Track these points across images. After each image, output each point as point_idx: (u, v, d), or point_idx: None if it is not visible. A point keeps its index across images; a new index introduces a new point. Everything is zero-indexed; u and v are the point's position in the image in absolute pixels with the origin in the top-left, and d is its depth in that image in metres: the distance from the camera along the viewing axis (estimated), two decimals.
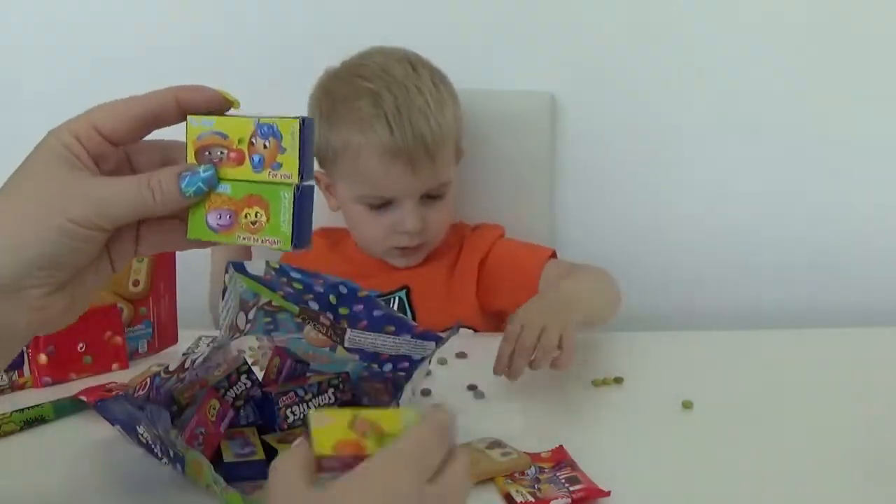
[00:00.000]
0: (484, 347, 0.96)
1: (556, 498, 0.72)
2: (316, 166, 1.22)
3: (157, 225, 0.56)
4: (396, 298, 1.22)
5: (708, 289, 1.51)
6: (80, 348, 0.97)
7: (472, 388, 0.95)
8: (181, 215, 0.55)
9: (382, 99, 1.15)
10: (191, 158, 0.54)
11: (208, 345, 0.79)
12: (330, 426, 0.51)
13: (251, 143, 0.53)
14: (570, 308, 0.98)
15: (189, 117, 0.54)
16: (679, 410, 0.91)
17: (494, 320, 1.26)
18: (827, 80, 1.42)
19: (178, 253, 1.03)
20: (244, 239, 0.54)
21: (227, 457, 0.76)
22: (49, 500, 0.74)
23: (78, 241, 0.50)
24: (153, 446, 0.74)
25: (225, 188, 0.54)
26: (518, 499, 0.72)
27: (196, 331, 1.06)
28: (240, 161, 0.53)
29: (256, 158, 0.53)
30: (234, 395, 0.81)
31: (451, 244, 1.27)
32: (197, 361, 0.75)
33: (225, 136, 0.54)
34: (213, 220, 0.54)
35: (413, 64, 1.20)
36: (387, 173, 1.15)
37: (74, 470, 0.78)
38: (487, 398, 0.93)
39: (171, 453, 0.72)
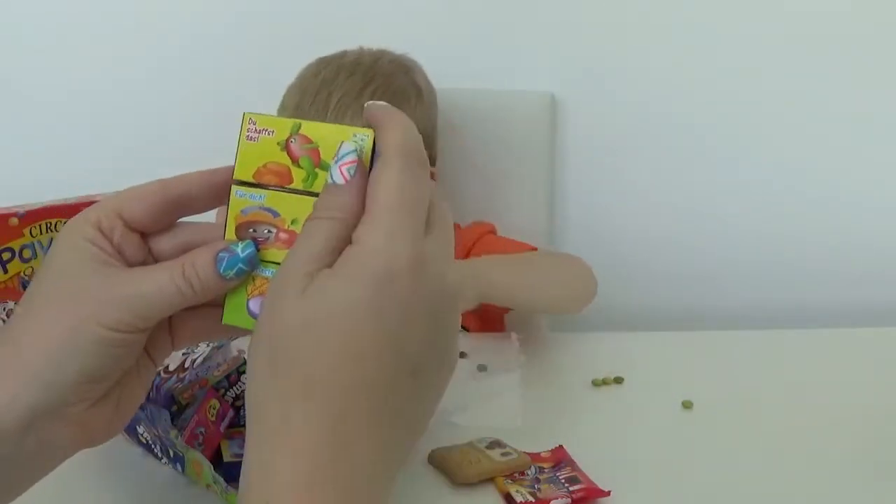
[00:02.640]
0: (484, 347, 0.96)
1: (556, 498, 0.72)
2: None
3: (191, 316, 0.49)
4: None
5: (708, 288, 1.51)
6: None
7: (481, 368, 0.97)
8: (215, 301, 0.49)
9: (293, 99, 1.18)
10: (230, 235, 0.47)
11: (208, 345, 0.79)
12: (263, 142, 0.46)
13: None
14: (473, 279, 0.97)
15: (233, 187, 0.47)
16: (679, 410, 0.91)
17: (487, 319, 1.25)
18: (828, 80, 1.42)
19: None
20: None
21: (227, 457, 0.76)
22: (49, 499, 0.74)
23: (117, 348, 0.45)
24: (153, 446, 0.74)
25: (271, 272, 0.46)
26: (518, 499, 0.72)
27: None
28: (290, 243, 0.45)
29: None
30: (234, 395, 0.81)
31: None
32: (197, 361, 0.75)
33: (276, 214, 0.46)
34: (256, 306, 0.47)
35: (356, 69, 1.18)
36: None
37: (74, 470, 0.78)
38: (488, 397, 0.93)
39: (171, 453, 0.72)
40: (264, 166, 0.46)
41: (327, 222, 0.41)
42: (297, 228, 0.45)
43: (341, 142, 0.44)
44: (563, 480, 0.74)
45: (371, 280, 0.39)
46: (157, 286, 0.46)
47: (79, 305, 0.45)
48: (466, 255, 1.25)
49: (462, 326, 1.21)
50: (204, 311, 0.49)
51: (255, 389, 0.41)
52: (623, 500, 0.73)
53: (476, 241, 1.26)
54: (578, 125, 1.44)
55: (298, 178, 0.46)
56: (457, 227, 1.32)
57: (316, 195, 0.45)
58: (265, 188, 0.46)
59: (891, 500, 0.75)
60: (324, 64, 1.21)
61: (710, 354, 1.07)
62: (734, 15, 1.41)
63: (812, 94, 1.43)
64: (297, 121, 0.46)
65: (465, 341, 1.05)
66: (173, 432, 0.70)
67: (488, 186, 1.37)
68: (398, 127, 0.43)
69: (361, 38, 1.25)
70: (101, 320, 0.45)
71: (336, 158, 0.43)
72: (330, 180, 0.43)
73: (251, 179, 0.46)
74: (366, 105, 0.45)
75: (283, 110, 1.19)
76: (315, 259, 0.40)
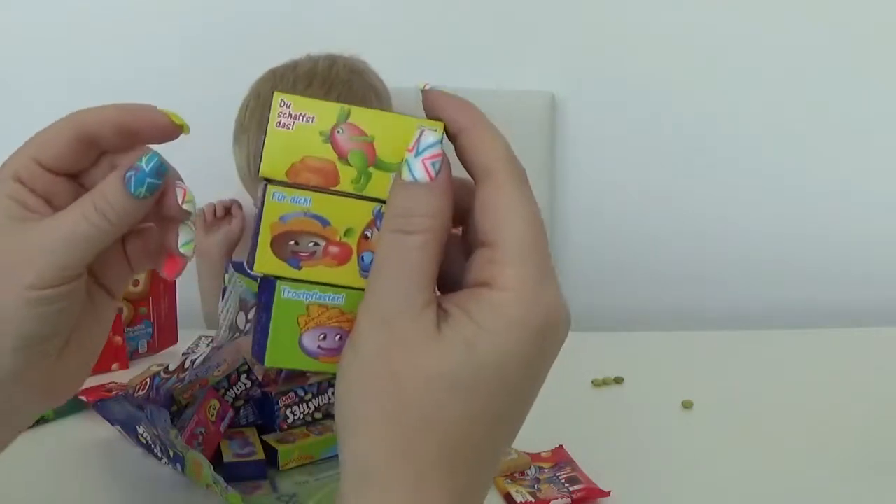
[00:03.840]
0: None
1: (556, 498, 0.72)
2: None
3: (141, 235, 0.46)
4: None
5: (708, 289, 1.51)
6: None
7: None
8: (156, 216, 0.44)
9: (253, 117, 1.19)
10: (264, 247, 0.37)
11: (208, 345, 0.79)
12: (300, 130, 0.37)
13: (364, 237, 0.38)
14: None
15: (269, 186, 0.37)
16: (679, 410, 0.91)
17: None
18: (828, 79, 1.42)
19: None
20: None
21: (227, 457, 0.76)
22: (49, 500, 0.74)
23: (52, 305, 0.41)
24: (153, 446, 0.74)
25: (335, 299, 0.38)
26: (518, 499, 0.72)
27: (196, 331, 1.06)
28: (343, 260, 0.37)
29: (368, 258, 0.37)
30: (234, 395, 0.81)
31: None
32: (197, 361, 0.75)
33: (325, 223, 0.37)
34: (311, 342, 0.38)
35: (312, 79, 1.19)
36: (253, 193, 1.19)
37: (74, 470, 0.78)
38: None
39: (171, 453, 0.72)
40: (301, 162, 0.37)
41: (421, 236, 0.35)
42: (352, 241, 0.37)
43: (421, 130, 0.36)
44: (563, 480, 0.74)
45: (527, 337, 0.34)
46: (70, 229, 0.41)
47: (2, 271, 0.41)
48: None
49: None
50: (150, 228, 0.45)
51: (369, 448, 0.35)
52: (623, 500, 0.73)
53: None
54: (578, 125, 1.44)
55: (347, 178, 0.37)
56: None
57: (371, 199, 0.37)
58: (304, 189, 0.37)
59: (891, 499, 0.75)
60: (278, 77, 1.21)
61: (710, 354, 1.07)
62: (734, 15, 1.41)
63: (812, 94, 1.43)
64: (346, 106, 0.38)
65: None
66: (173, 432, 0.70)
67: None
68: (497, 133, 0.37)
69: (359, 38, 1.25)
70: (24, 282, 0.41)
71: (416, 150, 0.35)
72: (409, 177, 0.35)
73: (284, 177, 0.37)
74: (425, 90, 0.38)
75: (244, 132, 1.19)
76: (424, 287, 0.34)
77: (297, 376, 0.86)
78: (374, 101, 1.20)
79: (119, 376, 0.96)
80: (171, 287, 1.06)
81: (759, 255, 1.50)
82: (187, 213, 0.42)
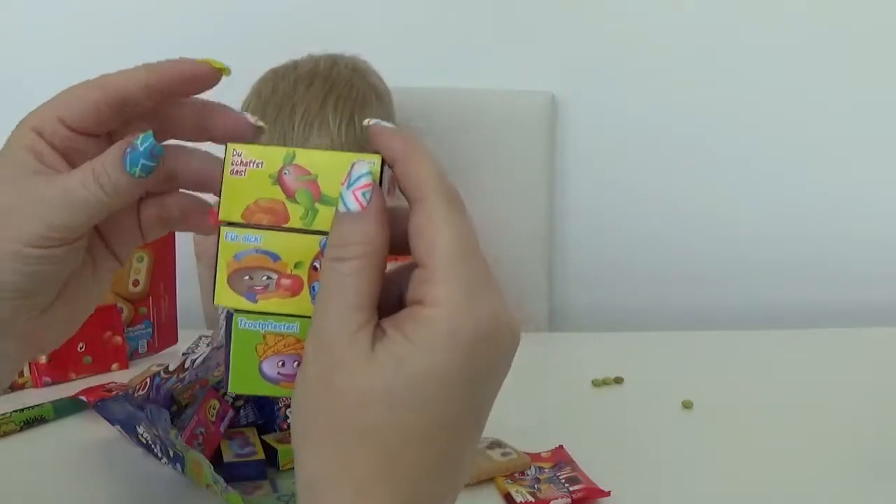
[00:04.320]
0: None
1: (556, 498, 0.72)
2: None
3: (157, 202, 0.46)
4: None
5: (708, 288, 1.51)
6: (80, 348, 0.97)
7: None
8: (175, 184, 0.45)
9: (252, 114, 1.16)
10: (221, 283, 0.40)
11: (208, 345, 0.79)
12: (252, 175, 0.40)
13: (313, 269, 0.40)
14: None
15: (222, 228, 0.40)
16: (679, 410, 0.91)
17: None
18: (828, 79, 1.42)
19: (177, 253, 1.03)
20: None
21: (227, 457, 0.76)
22: (49, 500, 0.74)
23: (40, 264, 0.41)
24: (153, 446, 0.74)
25: (290, 327, 0.40)
26: (518, 499, 0.72)
27: (196, 331, 1.06)
28: (296, 291, 0.40)
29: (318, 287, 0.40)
30: (234, 395, 0.81)
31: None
32: (197, 361, 0.75)
33: (276, 258, 0.40)
34: (270, 368, 0.41)
35: (314, 79, 1.15)
36: None
37: (74, 470, 0.78)
38: None
39: (171, 453, 0.72)
40: (255, 203, 0.41)
41: (355, 262, 0.36)
42: (303, 273, 0.40)
43: (353, 162, 0.38)
44: (563, 480, 0.74)
45: (457, 349, 0.35)
46: (68, 192, 0.41)
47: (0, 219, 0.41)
48: None
49: None
50: (169, 196, 0.46)
51: (314, 463, 0.37)
52: (623, 500, 0.73)
53: None
54: (578, 125, 1.44)
55: (296, 215, 0.40)
56: None
57: (319, 233, 0.40)
58: (258, 228, 0.40)
59: (891, 499, 0.75)
60: (279, 77, 1.18)
61: (710, 354, 1.07)
62: (734, 15, 1.41)
63: (813, 94, 1.43)
64: (291, 149, 0.41)
65: None
66: (173, 432, 0.70)
67: (488, 186, 1.37)
68: (428, 160, 0.38)
69: (359, 38, 1.25)
70: (18, 236, 0.41)
71: (348, 182, 0.38)
72: (343, 208, 0.37)
73: (240, 220, 0.40)
74: (369, 124, 0.40)
75: None
76: (360, 309, 0.36)
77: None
78: (375, 100, 1.20)
79: (119, 376, 0.97)
80: (171, 287, 1.06)
81: (759, 255, 1.50)
82: (260, 129, 0.45)
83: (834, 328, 1.19)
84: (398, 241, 0.38)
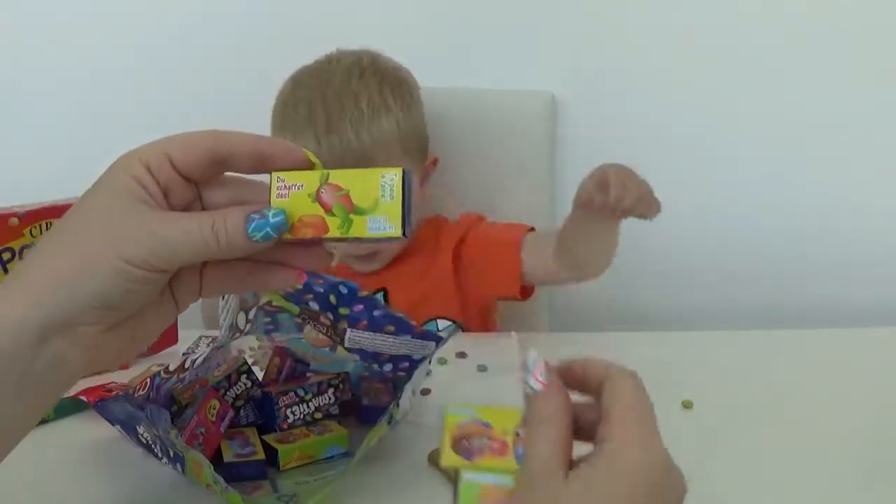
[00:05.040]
0: (483, 347, 0.96)
1: None
2: None
3: (224, 267, 0.51)
4: None
5: (707, 289, 1.51)
6: None
7: (481, 368, 0.97)
8: (251, 257, 0.51)
9: (315, 109, 1.16)
10: (447, 446, 0.49)
11: (208, 345, 0.79)
12: (294, 197, 0.48)
13: (517, 435, 0.50)
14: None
15: (446, 408, 0.50)
16: (679, 410, 0.91)
17: (477, 313, 1.25)
18: (827, 78, 1.42)
19: None
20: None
21: (227, 457, 0.76)
22: (49, 500, 0.74)
23: (133, 283, 0.47)
24: (153, 446, 0.75)
25: (503, 479, 0.49)
26: None
27: (196, 331, 1.06)
28: (503, 452, 0.49)
29: (520, 451, 0.49)
30: (234, 395, 0.81)
31: (426, 239, 1.25)
32: (197, 361, 0.75)
33: (488, 426, 0.50)
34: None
35: (363, 70, 1.19)
36: None
37: (74, 470, 0.78)
38: (488, 397, 0.93)
39: (171, 453, 0.72)
40: (299, 220, 0.48)
41: (550, 426, 0.47)
42: (508, 438, 0.49)
43: (526, 357, 0.49)
44: None
45: (632, 478, 0.44)
46: (183, 232, 0.47)
47: (107, 235, 0.47)
48: (459, 244, 1.24)
49: (451, 319, 1.21)
50: (238, 266, 0.51)
51: None
52: None
53: (467, 230, 1.25)
54: (578, 125, 1.44)
55: (334, 226, 0.47)
56: (442, 219, 1.31)
57: (356, 240, 0.48)
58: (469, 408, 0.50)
59: (890, 500, 0.75)
60: (324, 69, 1.19)
61: (710, 354, 1.06)
62: (735, 15, 1.41)
63: (814, 93, 1.43)
64: (325, 171, 0.47)
65: (465, 341, 1.05)
66: (173, 432, 0.70)
67: (488, 186, 1.37)
68: (626, 375, 0.52)
69: (359, 38, 1.25)
70: (123, 253, 0.46)
71: (526, 370, 0.48)
72: (530, 391, 0.48)
73: (288, 236, 0.48)
74: (584, 364, 0.52)
75: (309, 124, 1.14)
76: (555, 455, 0.45)
77: (297, 377, 0.86)
78: (416, 90, 1.23)
79: (119, 376, 0.96)
80: None
81: (760, 255, 1.50)
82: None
83: (834, 328, 1.19)
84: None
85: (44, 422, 0.85)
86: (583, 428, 0.48)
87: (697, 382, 0.96)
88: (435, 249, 1.25)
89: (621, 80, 1.43)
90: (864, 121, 1.44)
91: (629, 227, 1.50)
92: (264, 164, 0.49)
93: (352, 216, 0.47)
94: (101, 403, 0.77)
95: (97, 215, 0.48)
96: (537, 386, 0.48)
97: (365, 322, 0.82)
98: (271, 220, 0.47)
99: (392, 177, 0.47)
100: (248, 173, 0.50)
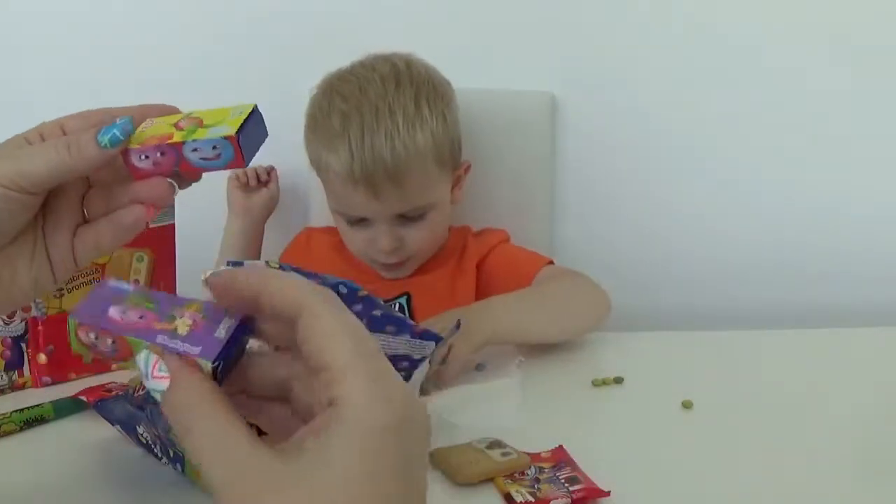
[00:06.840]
0: (483, 348, 0.96)
1: (556, 498, 0.72)
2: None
3: (88, 228, 0.55)
4: (397, 304, 1.22)
5: (707, 289, 1.51)
6: None
7: (479, 367, 0.97)
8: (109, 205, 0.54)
9: (350, 120, 1.13)
10: None
11: None
12: (157, 124, 0.52)
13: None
14: (483, 323, 0.97)
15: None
16: (679, 410, 0.91)
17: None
18: (828, 79, 1.42)
19: (178, 252, 1.03)
20: None
21: None
22: (49, 500, 0.74)
23: (5, 202, 0.51)
24: (153, 446, 0.75)
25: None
26: (518, 499, 0.72)
27: None
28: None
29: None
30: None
31: (453, 249, 1.26)
32: None
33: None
34: None
35: (399, 78, 1.17)
36: (351, 196, 1.14)
37: (74, 470, 0.78)
38: (488, 397, 0.93)
39: (171, 453, 0.72)
40: (150, 137, 0.52)
41: (199, 419, 0.38)
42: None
43: (135, 360, 0.41)
44: (563, 480, 0.74)
45: (364, 442, 0.36)
46: (41, 151, 0.52)
47: None
48: (481, 263, 1.24)
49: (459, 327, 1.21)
50: (101, 225, 0.54)
51: None
52: (623, 500, 0.73)
53: (491, 249, 1.26)
54: (578, 125, 1.44)
55: (178, 136, 0.51)
56: (468, 230, 1.31)
57: (195, 151, 0.51)
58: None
59: (890, 500, 0.75)
60: (357, 78, 1.17)
61: (710, 354, 1.06)
62: (734, 15, 1.41)
63: (813, 95, 1.43)
64: (191, 111, 0.53)
65: None
66: (173, 432, 0.70)
67: (488, 186, 1.37)
68: (282, 276, 0.40)
69: (361, 39, 1.25)
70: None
71: (143, 377, 0.40)
72: (158, 396, 0.40)
73: (136, 145, 0.52)
74: (206, 279, 0.43)
75: (344, 135, 1.12)
76: (232, 441, 0.38)
77: None
78: (450, 91, 1.22)
79: (119, 376, 0.96)
80: (171, 287, 1.06)
81: (760, 255, 1.50)
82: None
83: (834, 328, 1.19)
84: (241, 306, 0.42)
85: (44, 422, 0.85)
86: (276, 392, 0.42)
87: (697, 382, 0.96)
88: (459, 268, 1.25)
89: (621, 80, 1.43)
90: (865, 121, 1.44)
91: (629, 227, 1.51)
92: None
93: (199, 130, 0.51)
94: (101, 403, 0.77)
95: None
96: (162, 385, 0.39)
97: (364, 322, 0.82)
98: (118, 123, 0.51)
99: (243, 108, 0.51)
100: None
